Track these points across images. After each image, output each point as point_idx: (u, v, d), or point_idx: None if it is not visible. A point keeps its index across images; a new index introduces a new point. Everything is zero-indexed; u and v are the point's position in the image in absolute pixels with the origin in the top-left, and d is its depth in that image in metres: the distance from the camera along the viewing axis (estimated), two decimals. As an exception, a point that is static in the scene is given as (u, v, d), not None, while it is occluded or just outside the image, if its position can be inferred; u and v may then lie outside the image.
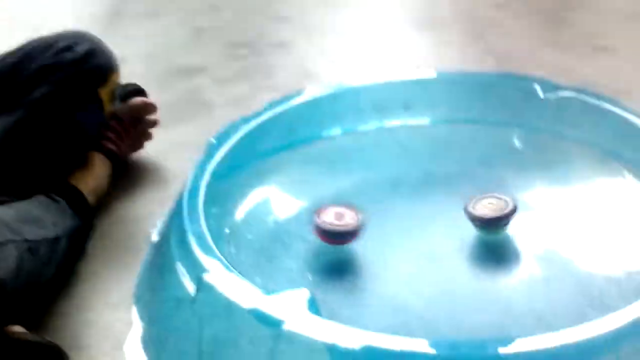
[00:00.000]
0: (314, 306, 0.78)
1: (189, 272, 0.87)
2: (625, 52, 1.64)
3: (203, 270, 0.84)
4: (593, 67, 1.56)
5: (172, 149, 1.36)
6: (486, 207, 1.00)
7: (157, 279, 0.98)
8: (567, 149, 1.16)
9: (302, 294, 0.79)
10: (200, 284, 0.84)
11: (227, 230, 1.04)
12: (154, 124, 1.33)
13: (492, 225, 1.01)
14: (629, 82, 1.49)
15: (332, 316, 0.80)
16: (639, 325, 0.73)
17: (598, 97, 1.14)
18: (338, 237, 1.00)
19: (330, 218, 1.00)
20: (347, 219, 1.00)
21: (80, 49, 1.19)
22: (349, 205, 1.02)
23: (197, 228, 0.92)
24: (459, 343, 0.75)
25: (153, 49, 1.80)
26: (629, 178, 1.09)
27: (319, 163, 1.22)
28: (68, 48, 1.19)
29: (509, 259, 0.99)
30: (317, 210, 1.02)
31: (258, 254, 1.00)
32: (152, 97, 1.39)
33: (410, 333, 0.73)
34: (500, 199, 1.01)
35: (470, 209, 1.01)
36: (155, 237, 1.07)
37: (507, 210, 1.00)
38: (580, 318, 0.83)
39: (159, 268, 0.99)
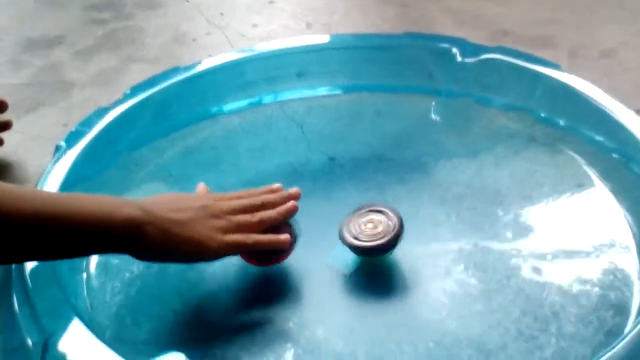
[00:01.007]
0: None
1: (31, 336, 0.66)
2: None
3: (48, 334, 0.64)
4: (508, 12, 1.39)
5: (28, 145, 1.13)
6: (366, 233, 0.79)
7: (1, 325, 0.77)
8: (492, 119, 0.99)
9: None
10: (45, 351, 0.64)
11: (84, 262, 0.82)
12: (5, 126, 1.10)
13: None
14: (552, 28, 1.32)
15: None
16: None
17: (524, 56, 0.98)
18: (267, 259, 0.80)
19: None
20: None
21: None
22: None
23: (39, 267, 0.71)
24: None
25: (3, 19, 1.54)
26: (565, 151, 0.94)
27: (201, 153, 1.02)
28: None
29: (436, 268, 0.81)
30: None
31: (127, 287, 0.80)
32: (4, 81, 1.16)
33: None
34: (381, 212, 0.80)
35: (347, 237, 0.79)
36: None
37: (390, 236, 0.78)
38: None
39: (4, 311, 0.78)
